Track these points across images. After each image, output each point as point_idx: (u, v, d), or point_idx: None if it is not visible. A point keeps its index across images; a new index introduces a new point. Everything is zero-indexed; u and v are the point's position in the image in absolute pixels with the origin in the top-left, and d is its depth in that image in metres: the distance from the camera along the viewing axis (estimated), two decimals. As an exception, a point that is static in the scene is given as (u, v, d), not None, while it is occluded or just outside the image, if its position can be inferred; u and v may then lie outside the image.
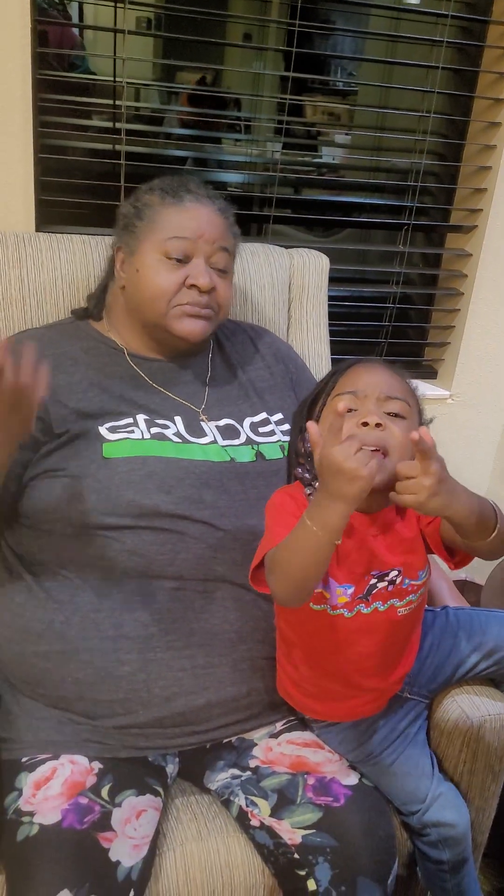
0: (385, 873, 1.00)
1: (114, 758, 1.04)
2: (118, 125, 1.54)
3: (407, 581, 1.00)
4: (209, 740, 1.10)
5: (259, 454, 1.20)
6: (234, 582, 1.11)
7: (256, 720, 1.12)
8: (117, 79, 1.52)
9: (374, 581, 0.98)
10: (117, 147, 1.55)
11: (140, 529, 1.08)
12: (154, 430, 1.15)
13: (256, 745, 1.11)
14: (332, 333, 1.56)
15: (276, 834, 1.01)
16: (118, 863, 0.94)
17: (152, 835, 1.00)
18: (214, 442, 1.18)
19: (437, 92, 1.70)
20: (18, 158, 1.42)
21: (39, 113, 1.44)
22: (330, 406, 0.97)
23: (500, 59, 1.71)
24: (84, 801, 0.97)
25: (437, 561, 1.05)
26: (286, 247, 1.54)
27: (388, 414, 0.95)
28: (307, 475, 1.01)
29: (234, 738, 1.12)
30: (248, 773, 1.08)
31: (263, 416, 1.26)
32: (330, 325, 1.56)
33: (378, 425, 0.93)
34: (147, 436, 1.14)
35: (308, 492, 1.00)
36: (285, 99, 1.64)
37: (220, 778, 1.10)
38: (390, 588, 0.99)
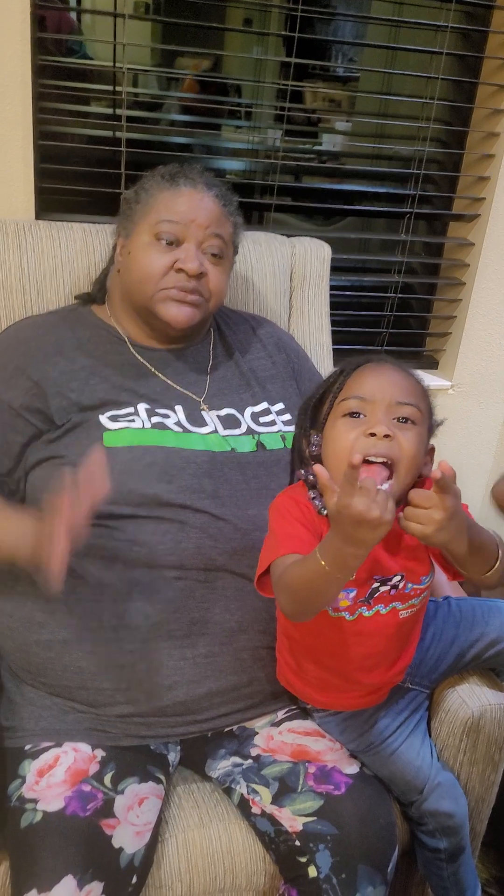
0: (385, 861, 1.01)
1: (116, 746, 1.05)
2: (118, 112, 1.53)
3: (410, 586, 0.99)
4: (210, 729, 1.11)
5: (260, 444, 1.19)
6: (234, 572, 1.11)
7: (257, 709, 1.13)
8: (117, 64, 1.51)
9: (376, 585, 0.97)
10: (117, 134, 1.54)
11: (141, 519, 1.08)
12: (155, 419, 1.15)
13: (258, 733, 1.12)
14: (332, 323, 1.56)
15: (278, 821, 1.02)
16: (121, 849, 0.95)
17: (154, 822, 1.01)
18: (215, 432, 1.18)
19: (441, 78, 1.68)
20: (18, 145, 1.41)
21: (39, 99, 1.42)
22: (340, 424, 0.93)
23: (504, 45, 1.69)
24: (87, 788, 0.98)
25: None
26: (287, 235, 1.53)
27: (398, 419, 0.93)
28: (311, 477, 0.99)
29: (235, 727, 1.13)
30: (250, 761, 1.09)
31: (265, 405, 1.25)
32: (331, 314, 1.55)
33: (386, 436, 0.90)
34: (148, 425, 1.14)
35: (312, 495, 0.98)
36: (287, 85, 1.62)
37: (221, 766, 1.11)
38: (393, 592, 0.98)
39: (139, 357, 1.21)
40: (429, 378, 1.89)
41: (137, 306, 1.19)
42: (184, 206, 1.15)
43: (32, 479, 1.13)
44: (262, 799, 1.04)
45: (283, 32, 1.62)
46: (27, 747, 1.04)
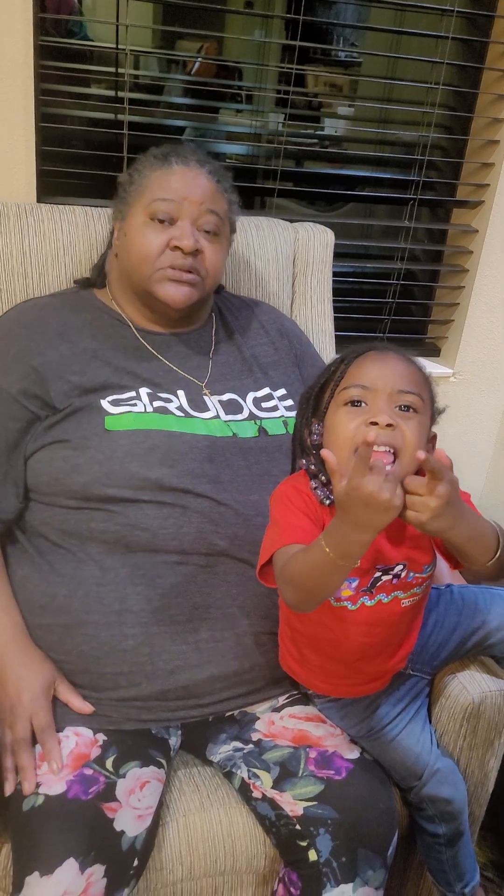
0: (385, 845, 1.02)
1: (118, 730, 1.05)
2: (121, 94, 1.51)
3: (412, 575, 0.99)
4: (211, 713, 1.11)
5: (262, 430, 1.19)
6: (236, 557, 1.11)
7: (259, 694, 1.13)
8: (120, 46, 1.49)
9: (378, 574, 0.97)
10: (119, 117, 1.52)
11: (143, 503, 1.08)
12: (157, 403, 1.14)
13: (259, 718, 1.12)
14: (334, 310, 1.55)
15: (278, 805, 1.03)
16: (122, 832, 0.95)
17: (156, 805, 1.02)
18: (217, 417, 1.18)
19: (447, 63, 1.67)
20: (20, 127, 1.39)
21: (40, 80, 1.41)
22: (342, 413, 0.93)
23: (510, 30, 1.68)
24: (89, 772, 0.98)
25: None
26: (290, 221, 1.52)
27: (400, 408, 0.92)
28: (313, 467, 0.98)
29: (236, 712, 1.13)
30: (251, 745, 1.09)
31: (267, 391, 1.25)
32: (333, 301, 1.55)
33: (389, 425, 0.89)
34: (150, 409, 1.13)
35: (314, 485, 0.97)
36: (291, 69, 1.61)
37: (222, 750, 1.11)
38: (395, 581, 0.98)
39: (142, 340, 1.20)
40: (430, 366, 1.91)
41: (136, 288, 1.18)
42: (176, 184, 1.15)
43: (33, 464, 1.12)
44: (263, 783, 1.05)
45: (287, 15, 1.61)
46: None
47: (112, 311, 1.22)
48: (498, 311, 1.87)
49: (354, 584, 0.97)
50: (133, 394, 1.14)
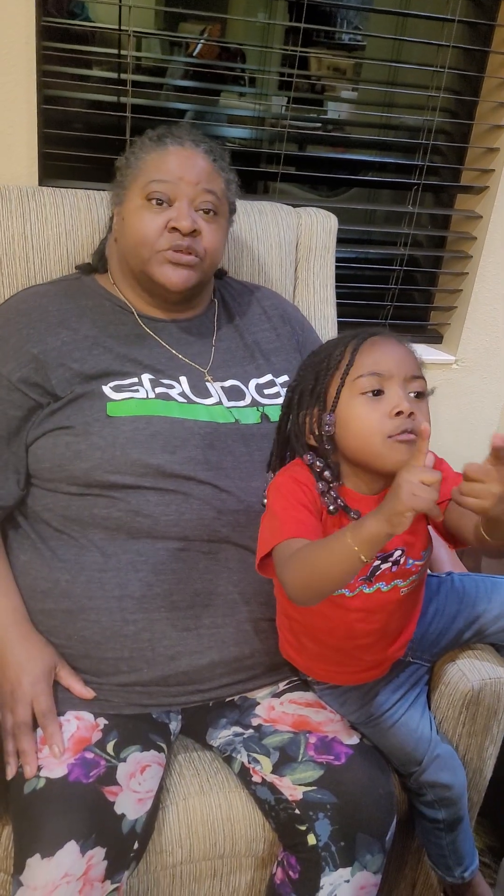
0: (383, 830, 1.03)
1: (119, 714, 1.06)
2: (123, 76, 1.50)
3: (410, 561, 0.99)
4: (212, 699, 1.12)
5: (264, 416, 1.19)
6: (237, 543, 1.11)
7: (259, 680, 1.13)
8: (123, 27, 1.48)
9: (377, 563, 0.97)
10: (122, 99, 1.51)
11: (144, 489, 1.08)
12: (159, 389, 1.14)
13: (259, 703, 1.13)
14: (336, 296, 1.54)
15: (278, 790, 1.03)
16: (123, 816, 0.96)
17: (156, 789, 1.02)
18: (219, 403, 1.17)
19: (452, 46, 1.65)
20: (23, 108, 1.38)
21: (43, 62, 1.39)
22: (360, 404, 0.91)
23: (517, 13, 1.66)
24: (90, 755, 0.99)
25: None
26: (293, 205, 1.51)
27: (413, 394, 0.91)
28: (318, 463, 0.95)
29: (236, 697, 1.14)
30: (251, 730, 1.10)
31: (269, 377, 1.24)
32: (335, 286, 1.54)
33: (411, 414, 0.89)
34: (152, 395, 1.13)
35: (321, 488, 0.94)
36: (295, 51, 1.59)
37: (222, 735, 1.12)
38: (394, 569, 0.98)
39: (143, 327, 1.20)
40: (433, 352, 1.91)
41: (135, 272, 1.18)
42: (172, 164, 1.14)
43: (35, 450, 1.12)
44: (263, 768, 1.05)
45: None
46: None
47: (113, 298, 1.22)
48: (501, 298, 1.86)
49: None
50: (135, 380, 1.14)
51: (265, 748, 1.07)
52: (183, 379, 1.17)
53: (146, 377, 1.15)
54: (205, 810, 1.06)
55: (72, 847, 0.90)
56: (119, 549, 1.08)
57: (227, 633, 1.09)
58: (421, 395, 0.92)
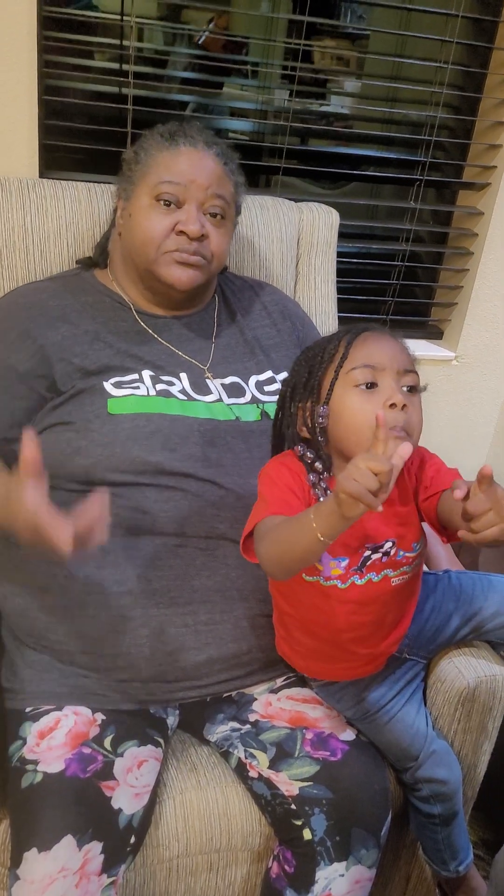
0: (378, 825, 1.03)
1: (116, 709, 1.06)
2: (125, 67, 1.49)
3: (401, 553, 0.99)
4: (209, 694, 1.12)
5: (264, 413, 1.19)
6: (235, 540, 1.10)
7: (256, 676, 1.14)
8: (125, 17, 1.47)
9: (368, 553, 0.97)
10: (124, 90, 1.50)
11: (144, 486, 1.08)
12: (159, 386, 1.14)
13: (256, 699, 1.13)
14: (338, 291, 1.54)
15: (274, 785, 1.04)
16: (120, 810, 0.96)
17: (153, 784, 1.03)
18: (220, 400, 1.17)
19: (456, 42, 1.64)
20: (24, 99, 1.37)
21: (44, 52, 1.38)
22: (354, 396, 0.92)
23: (522, 9, 1.65)
24: (87, 750, 0.99)
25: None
26: (295, 200, 1.50)
27: (406, 388, 0.92)
28: (309, 454, 0.97)
29: (233, 693, 1.14)
30: (248, 726, 1.11)
31: (269, 374, 1.24)
32: (336, 282, 1.53)
33: (404, 406, 0.90)
34: (152, 392, 1.13)
35: (312, 479, 0.96)
36: (299, 44, 1.58)
37: (219, 730, 1.13)
38: (384, 559, 0.98)
39: (143, 323, 1.20)
40: (433, 349, 1.91)
41: (139, 269, 1.17)
42: (184, 166, 1.13)
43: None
44: (260, 763, 1.06)
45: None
46: (28, 709, 1.05)
47: (113, 294, 1.21)
48: (502, 295, 1.86)
49: (344, 564, 0.97)
50: (136, 376, 1.14)
51: (262, 743, 1.07)
52: (183, 376, 1.17)
53: (147, 373, 1.15)
54: (201, 805, 1.07)
55: (69, 841, 0.90)
56: (118, 545, 1.08)
57: (225, 630, 1.10)
58: (414, 390, 0.93)
